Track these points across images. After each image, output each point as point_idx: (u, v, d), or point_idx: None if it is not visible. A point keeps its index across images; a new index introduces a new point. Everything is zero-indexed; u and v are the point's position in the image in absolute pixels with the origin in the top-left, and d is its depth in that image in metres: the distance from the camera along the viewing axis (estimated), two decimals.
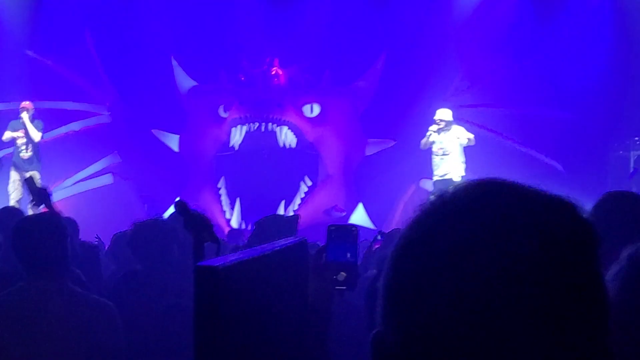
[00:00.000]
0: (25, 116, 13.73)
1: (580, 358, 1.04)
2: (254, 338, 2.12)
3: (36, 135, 13.76)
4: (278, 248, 2.32)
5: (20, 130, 13.84)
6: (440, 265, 1.05)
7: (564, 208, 1.10)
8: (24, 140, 13.80)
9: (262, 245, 2.34)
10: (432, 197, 1.14)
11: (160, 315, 4.61)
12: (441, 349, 1.03)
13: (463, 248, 1.04)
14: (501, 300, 1.01)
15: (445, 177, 13.10)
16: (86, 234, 8.67)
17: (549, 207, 1.09)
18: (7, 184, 13.88)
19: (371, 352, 1.13)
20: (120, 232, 6.98)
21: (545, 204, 1.09)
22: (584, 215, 1.10)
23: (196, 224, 2.97)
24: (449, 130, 13.43)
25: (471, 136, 13.42)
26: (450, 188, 1.13)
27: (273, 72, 15.47)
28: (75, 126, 15.61)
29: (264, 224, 6.04)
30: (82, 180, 15.60)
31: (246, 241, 6.38)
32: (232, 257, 2.01)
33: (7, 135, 13.90)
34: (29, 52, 15.44)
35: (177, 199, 3.23)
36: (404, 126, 14.97)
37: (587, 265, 1.07)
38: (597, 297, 1.07)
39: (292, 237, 2.75)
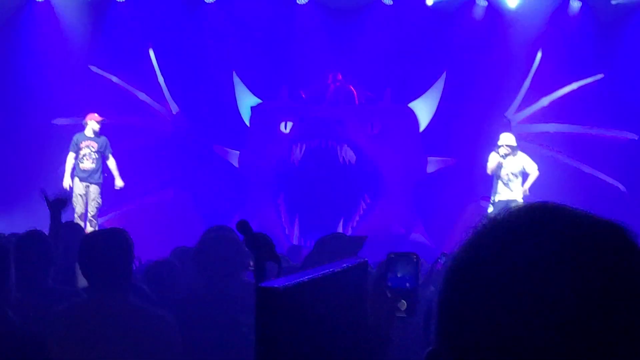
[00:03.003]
0: (87, 126, 13.96)
1: None
2: (312, 358, 2.14)
3: (98, 145, 13.97)
4: (338, 270, 2.34)
5: (86, 142, 13.99)
6: (492, 287, 1.06)
7: (615, 232, 1.10)
8: (87, 151, 13.93)
9: (322, 266, 2.36)
10: (485, 220, 1.15)
11: (220, 332, 4.64)
12: None
13: (514, 271, 1.05)
14: (549, 324, 1.02)
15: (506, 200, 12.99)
16: (145, 248, 8.76)
17: (601, 231, 1.09)
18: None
19: None
20: (180, 246, 7.03)
21: (597, 229, 1.09)
22: (635, 240, 1.10)
23: (257, 243, 3.00)
24: (514, 155, 13.33)
25: (535, 167, 13.30)
26: (503, 211, 1.14)
27: (335, 87, 15.50)
28: (137, 141, 15.76)
29: (327, 242, 6.00)
30: (142, 194, 15.74)
31: (303, 259, 6.34)
32: (293, 279, 2.04)
33: (72, 146, 14.06)
34: (93, 68, 15.64)
35: (240, 221, 3.24)
36: (465, 144, 14.91)
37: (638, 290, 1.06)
38: None
39: (353, 258, 2.76)
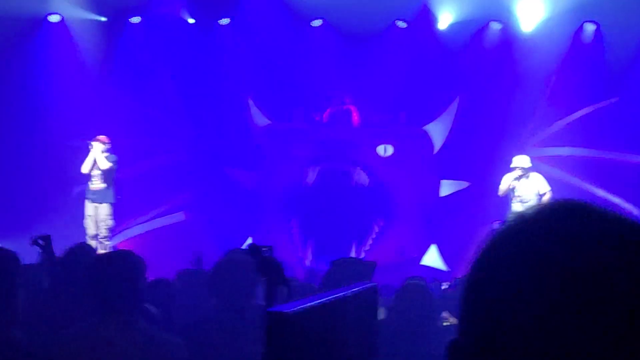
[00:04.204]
0: (96, 146, 13.88)
1: None
2: None
3: (104, 164, 13.83)
4: (348, 294, 2.32)
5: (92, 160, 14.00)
6: (518, 282, 1.06)
7: None
8: (98, 172, 13.94)
9: (332, 291, 2.34)
10: (510, 217, 1.14)
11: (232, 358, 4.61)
12: None
13: (541, 268, 1.04)
14: (575, 321, 1.01)
15: None
16: (156, 270, 8.75)
17: (628, 230, 1.08)
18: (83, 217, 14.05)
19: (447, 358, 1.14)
20: (185, 269, 7.00)
21: (625, 227, 1.09)
22: None
23: (268, 267, 2.98)
24: (527, 177, 13.30)
25: (548, 189, 13.27)
26: (529, 208, 1.14)
27: (347, 109, 15.52)
28: (150, 163, 15.81)
29: (341, 266, 6.02)
30: (155, 217, 15.77)
31: (321, 282, 6.35)
32: (302, 303, 2.02)
33: (83, 166, 14.03)
34: (107, 89, 15.71)
35: (249, 240, 3.22)
36: (479, 168, 14.89)
37: None
38: None
39: (363, 282, 2.75)
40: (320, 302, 2.09)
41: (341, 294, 2.29)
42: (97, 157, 13.86)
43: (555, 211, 1.12)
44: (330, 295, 2.22)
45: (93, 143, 13.94)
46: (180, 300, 6.58)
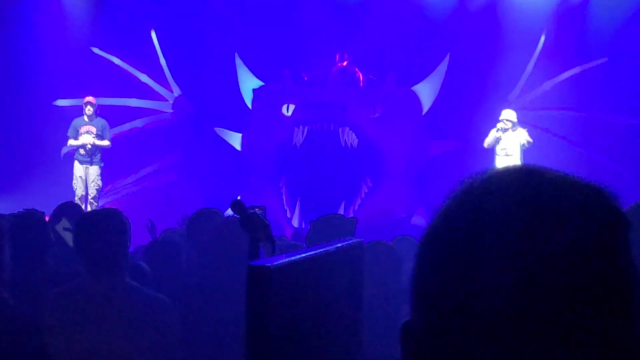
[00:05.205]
0: (84, 108, 13.91)
1: (609, 344, 1.01)
2: (305, 337, 2.11)
3: (94, 128, 13.90)
4: (332, 249, 2.31)
5: (85, 127, 13.98)
6: (465, 253, 1.03)
7: (594, 194, 1.07)
8: (86, 135, 13.90)
9: (316, 246, 2.33)
10: (459, 186, 1.11)
11: (218, 314, 4.60)
12: (465, 341, 1.02)
13: (490, 236, 1.02)
14: (525, 287, 0.99)
15: None
16: (145, 231, 8.74)
17: (579, 193, 1.06)
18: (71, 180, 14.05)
19: (400, 342, 1.12)
20: (169, 228, 6.99)
21: (575, 190, 1.07)
22: (614, 201, 1.08)
23: (252, 224, 2.96)
24: (514, 131, 13.40)
25: (530, 140, 13.34)
26: (478, 175, 1.11)
27: (341, 68, 15.45)
28: (138, 123, 15.78)
29: (321, 224, 6.02)
30: (144, 177, 15.75)
31: (304, 241, 6.36)
32: (285, 257, 2.01)
33: (71, 142, 14.04)
34: (95, 49, 15.62)
35: (238, 198, 3.21)
36: (468, 128, 14.88)
37: (616, 251, 1.04)
38: (627, 283, 1.04)
39: (348, 238, 2.73)
40: (303, 256, 2.08)
41: (326, 248, 2.28)
42: (97, 144, 13.90)
43: (503, 180, 1.08)
44: (314, 250, 2.21)
45: (82, 104, 13.95)
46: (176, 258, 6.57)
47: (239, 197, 14.78)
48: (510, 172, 1.10)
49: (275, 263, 1.88)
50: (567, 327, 0.99)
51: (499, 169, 1.11)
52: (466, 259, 1.03)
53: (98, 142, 13.89)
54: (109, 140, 14.07)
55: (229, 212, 3.59)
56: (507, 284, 1.00)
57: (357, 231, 6.45)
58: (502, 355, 1.00)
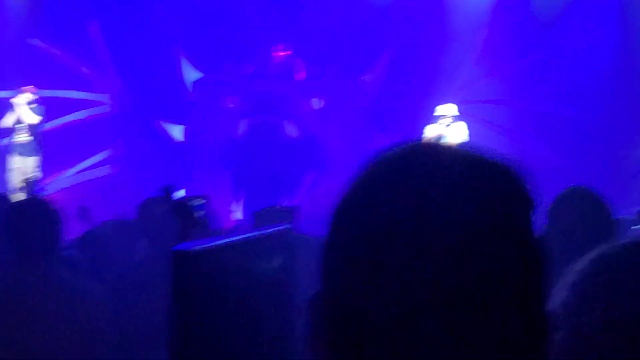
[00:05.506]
0: (20, 99, 13.58)
1: (516, 323, 1.03)
2: (230, 322, 2.10)
3: (32, 118, 13.58)
4: (259, 234, 2.30)
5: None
6: (367, 230, 1.04)
7: (498, 171, 1.08)
8: (23, 124, 13.67)
9: (244, 231, 2.32)
10: (363, 165, 1.11)
11: (151, 304, 4.57)
12: (364, 318, 1.02)
13: (389, 215, 1.03)
14: (425, 265, 1.00)
15: None
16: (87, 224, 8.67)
17: (479, 169, 1.07)
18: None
19: (309, 314, 1.12)
20: (111, 220, 6.93)
21: (475, 167, 1.07)
22: (519, 179, 1.09)
23: (180, 211, 2.95)
24: (455, 125, 13.43)
25: (466, 136, 13.36)
26: (385, 153, 1.11)
27: (281, 56, 15.40)
28: (78, 115, 15.61)
29: (263, 216, 6.04)
30: (84, 169, 15.60)
31: None
32: (210, 242, 2.00)
33: (8, 118, 13.76)
34: (34, 41, 15.42)
35: (182, 192, 3.19)
36: (410, 120, 14.95)
37: (519, 228, 1.05)
38: (530, 261, 1.06)
39: (277, 224, 2.72)
40: (228, 241, 2.07)
41: (251, 233, 2.27)
42: (23, 111, 13.59)
43: (403, 158, 1.09)
44: (239, 235, 2.20)
45: (18, 95, 13.68)
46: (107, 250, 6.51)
47: (183, 191, 14.74)
48: (410, 150, 1.10)
49: (196, 247, 1.87)
50: (472, 306, 1.00)
51: (402, 146, 1.12)
52: (369, 236, 1.03)
53: (26, 114, 13.51)
54: (38, 117, 13.66)
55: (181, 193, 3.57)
56: (406, 261, 1.00)
57: (301, 223, 6.48)
58: (408, 330, 1.01)
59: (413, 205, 1.02)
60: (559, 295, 1.49)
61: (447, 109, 13.46)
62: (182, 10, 15.55)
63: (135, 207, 5.35)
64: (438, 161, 1.08)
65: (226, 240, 2.07)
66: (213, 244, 1.98)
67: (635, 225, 6.81)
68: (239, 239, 2.16)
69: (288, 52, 15.51)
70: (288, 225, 2.64)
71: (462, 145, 1.13)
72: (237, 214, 14.98)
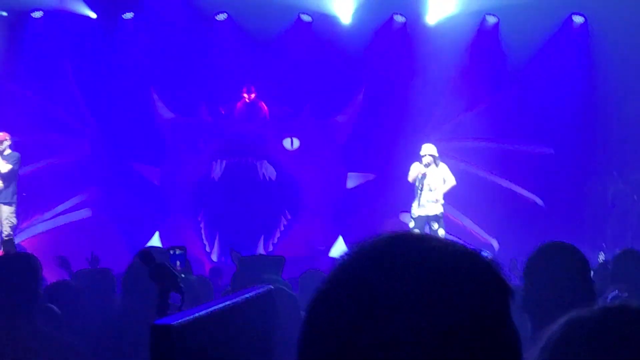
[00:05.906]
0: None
1: None
2: None
3: (3, 167, 13.37)
4: (240, 300, 2.28)
5: None
6: (347, 318, 1.05)
7: (474, 261, 1.10)
8: None
9: (225, 297, 2.30)
10: (347, 251, 1.14)
11: None
12: None
13: (372, 303, 1.05)
14: (405, 350, 1.02)
15: (426, 213, 13.08)
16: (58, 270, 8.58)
17: (459, 260, 1.09)
18: None
19: None
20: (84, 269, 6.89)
21: (455, 258, 1.10)
22: (494, 269, 1.11)
23: (161, 274, 2.92)
24: (437, 165, 13.32)
25: (453, 178, 13.32)
26: (363, 242, 1.13)
27: (250, 99, 15.39)
28: (55, 159, 15.50)
29: (249, 263, 5.99)
30: (60, 214, 15.49)
31: (230, 281, 6.26)
32: (191, 313, 1.97)
33: None
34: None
35: (156, 234, 3.16)
36: (384, 160, 14.99)
37: (502, 316, 1.09)
38: (506, 344, 1.08)
39: (260, 286, 2.71)
40: (209, 311, 2.05)
41: (232, 300, 2.25)
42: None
43: (386, 248, 1.11)
44: (220, 303, 2.18)
45: None
46: (81, 301, 6.45)
47: (157, 234, 14.68)
48: (392, 240, 1.12)
49: (178, 321, 1.84)
50: None
51: (385, 235, 1.14)
52: (355, 327, 1.04)
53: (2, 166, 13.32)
54: (10, 165, 13.46)
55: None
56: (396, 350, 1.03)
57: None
58: None
59: (389, 301, 1.04)
60: (531, 358, 1.54)
61: (429, 149, 13.36)
62: (157, 53, 15.56)
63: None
64: (413, 255, 1.09)
65: (207, 310, 2.05)
66: (194, 315, 1.96)
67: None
68: (220, 307, 2.14)
69: (253, 93, 15.47)
70: (269, 287, 2.63)
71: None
72: (213, 256, 14.91)
